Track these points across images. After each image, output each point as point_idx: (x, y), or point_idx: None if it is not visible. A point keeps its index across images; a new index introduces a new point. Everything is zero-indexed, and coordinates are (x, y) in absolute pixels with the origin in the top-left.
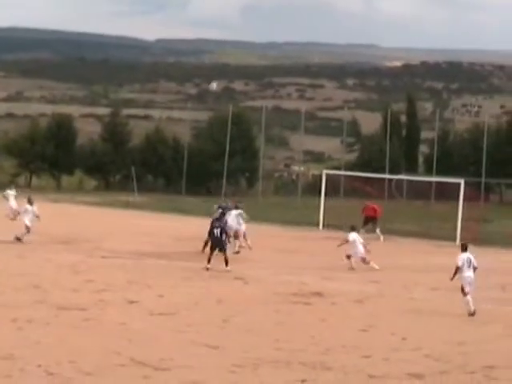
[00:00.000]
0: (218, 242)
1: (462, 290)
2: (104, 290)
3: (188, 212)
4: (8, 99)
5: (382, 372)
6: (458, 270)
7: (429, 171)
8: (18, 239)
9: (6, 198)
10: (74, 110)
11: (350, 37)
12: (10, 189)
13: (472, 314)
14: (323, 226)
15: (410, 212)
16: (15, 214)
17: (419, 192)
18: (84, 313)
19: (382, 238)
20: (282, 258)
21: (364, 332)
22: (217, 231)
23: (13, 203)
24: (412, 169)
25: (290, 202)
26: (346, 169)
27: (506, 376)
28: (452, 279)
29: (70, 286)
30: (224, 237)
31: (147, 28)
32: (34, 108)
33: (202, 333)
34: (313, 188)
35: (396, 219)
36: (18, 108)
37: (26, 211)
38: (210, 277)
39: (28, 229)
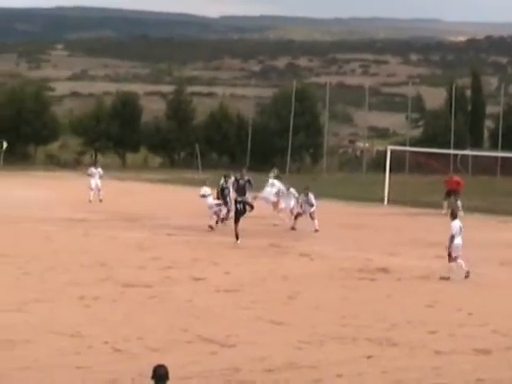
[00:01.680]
0: (241, 215)
1: (449, 255)
2: (170, 267)
3: (253, 189)
4: (73, 78)
5: (448, 348)
6: (453, 238)
7: (494, 146)
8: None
9: (91, 176)
10: (138, 88)
11: (413, 12)
12: (96, 167)
13: (467, 276)
14: (388, 201)
15: (476, 187)
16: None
17: (485, 167)
18: (150, 290)
19: (462, 212)
20: (347, 234)
21: (430, 308)
22: (240, 206)
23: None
24: (477, 144)
25: (354, 178)
26: (411, 145)
27: None
28: (448, 249)
29: (135, 264)
30: (248, 209)
31: (210, 5)
32: (99, 86)
33: (267, 309)
34: (377, 164)
35: (461, 195)
36: (83, 87)
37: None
38: (275, 253)
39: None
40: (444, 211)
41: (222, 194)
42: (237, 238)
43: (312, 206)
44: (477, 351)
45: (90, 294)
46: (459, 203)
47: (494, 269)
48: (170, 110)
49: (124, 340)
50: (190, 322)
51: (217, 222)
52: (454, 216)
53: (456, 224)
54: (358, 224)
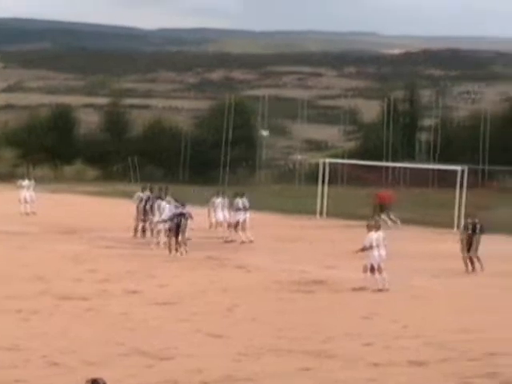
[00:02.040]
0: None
1: (372, 268)
2: (106, 279)
3: (187, 201)
4: (7, 90)
5: (384, 360)
6: (366, 249)
7: (429, 159)
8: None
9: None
10: (73, 100)
11: (349, 25)
12: (26, 179)
13: (384, 290)
14: (323, 214)
15: (410, 199)
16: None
17: (419, 179)
18: (87, 303)
19: (399, 223)
20: (284, 246)
21: (366, 319)
22: (178, 220)
23: (26, 194)
24: (412, 156)
25: (290, 190)
26: (347, 157)
27: (508, 362)
28: (357, 252)
29: (72, 277)
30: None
31: (147, 17)
32: (34, 98)
33: (205, 322)
34: (313, 176)
35: (396, 207)
36: (18, 99)
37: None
38: (213, 266)
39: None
40: (389, 223)
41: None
42: (173, 250)
43: (246, 210)
44: (412, 363)
45: (27, 307)
46: (392, 216)
47: (429, 281)
48: (106, 122)
49: (61, 353)
50: (126, 335)
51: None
52: (374, 228)
53: (372, 236)
54: (294, 236)
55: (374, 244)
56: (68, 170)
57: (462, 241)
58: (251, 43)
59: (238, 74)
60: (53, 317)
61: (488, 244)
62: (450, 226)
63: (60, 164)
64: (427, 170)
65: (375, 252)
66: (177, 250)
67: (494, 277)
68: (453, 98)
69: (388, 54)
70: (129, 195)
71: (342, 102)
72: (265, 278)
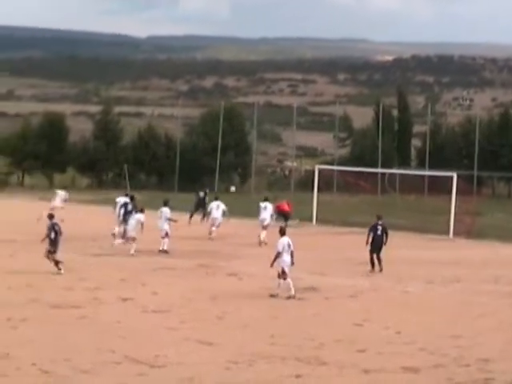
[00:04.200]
0: None
1: (283, 273)
2: (98, 288)
3: (181, 209)
4: None
5: (377, 366)
6: (278, 255)
7: (421, 165)
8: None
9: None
10: (65, 108)
11: (341, 31)
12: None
13: (292, 297)
14: (316, 220)
15: (403, 206)
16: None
17: (412, 186)
18: (78, 311)
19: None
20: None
21: (358, 326)
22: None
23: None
24: (404, 163)
25: (283, 197)
26: (339, 163)
27: (501, 368)
28: (272, 265)
29: (63, 285)
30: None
31: (138, 25)
32: (26, 107)
33: (196, 329)
34: (306, 183)
35: (389, 213)
36: (10, 107)
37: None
38: (204, 274)
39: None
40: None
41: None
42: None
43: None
44: (405, 369)
45: (17, 315)
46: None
47: (422, 287)
48: (98, 130)
49: (52, 362)
50: (118, 343)
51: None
52: (282, 232)
53: (283, 241)
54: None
55: (283, 249)
56: (60, 178)
57: (368, 241)
58: (242, 50)
59: (229, 81)
60: (44, 325)
61: (480, 250)
62: (443, 232)
63: (52, 172)
64: (420, 176)
65: (285, 257)
66: None
67: (488, 283)
68: (444, 104)
69: (379, 60)
70: None
71: (334, 109)
72: (256, 286)
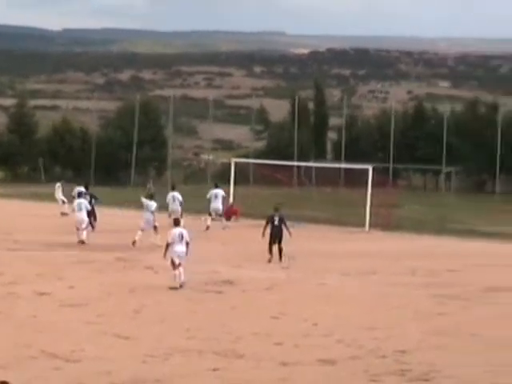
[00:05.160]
0: None
1: (172, 263)
2: (13, 282)
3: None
4: None
5: (294, 359)
6: (168, 245)
7: (337, 158)
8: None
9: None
10: None
11: (257, 24)
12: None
13: (179, 287)
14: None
15: (320, 199)
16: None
17: (328, 179)
18: None
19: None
20: (192, 246)
21: (275, 319)
22: None
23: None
24: (321, 155)
25: (199, 190)
26: (255, 156)
27: (417, 359)
28: (164, 256)
29: None
30: None
31: (53, 18)
32: None
33: (113, 323)
34: (222, 176)
35: (305, 206)
36: None
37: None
38: (121, 267)
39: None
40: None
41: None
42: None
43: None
44: (322, 361)
45: None
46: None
47: (338, 279)
48: (12, 123)
49: None
50: (34, 338)
51: None
52: (175, 223)
53: (175, 231)
54: (204, 237)
55: (173, 239)
56: None
57: (264, 233)
58: (159, 43)
59: (145, 74)
60: None
61: (396, 242)
62: (360, 224)
63: None
64: (336, 169)
65: (176, 247)
66: None
67: (404, 275)
68: (360, 96)
69: (295, 53)
70: (38, 196)
71: (251, 102)
72: (172, 279)
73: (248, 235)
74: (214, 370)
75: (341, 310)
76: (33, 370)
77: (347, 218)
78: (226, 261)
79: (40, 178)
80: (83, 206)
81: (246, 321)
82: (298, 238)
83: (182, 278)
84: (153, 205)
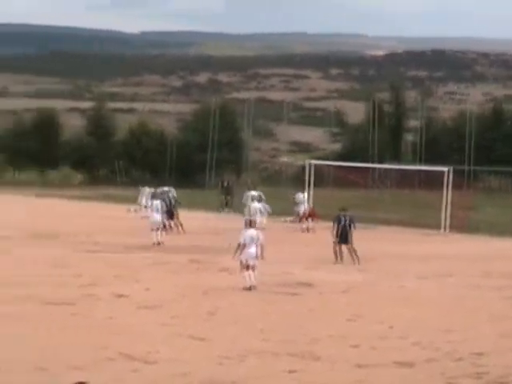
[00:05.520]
0: None
1: (244, 265)
2: (91, 284)
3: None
4: None
5: (370, 361)
6: (240, 246)
7: (414, 159)
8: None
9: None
10: (58, 104)
11: (333, 26)
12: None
13: (249, 289)
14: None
15: (396, 201)
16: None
17: (405, 180)
18: (72, 308)
19: None
20: (269, 248)
21: (351, 321)
22: None
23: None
24: (397, 157)
25: (276, 192)
26: (332, 159)
27: (493, 362)
28: (234, 257)
29: (56, 281)
30: None
31: (130, 21)
32: (19, 103)
33: (187, 325)
34: (299, 178)
35: (382, 208)
36: (3, 103)
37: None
38: (195, 269)
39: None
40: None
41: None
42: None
43: None
44: (398, 364)
45: (10, 312)
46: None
47: (415, 282)
48: (91, 126)
49: (46, 358)
50: (111, 339)
51: None
52: (250, 225)
53: (248, 233)
54: (280, 239)
55: (246, 241)
56: (53, 174)
57: (337, 233)
58: (235, 46)
59: (222, 77)
60: (37, 322)
61: (472, 244)
62: (437, 227)
63: (45, 168)
64: (413, 171)
65: (250, 249)
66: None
67: (480, 277)
68: (437, 98)
69: (372, 55)
70: (114, 199)
71: (327, 104)
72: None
73: (322, 237)
74: (290, 371)
75: (417, 312)
76: (110, 371)
77: (423, 220)
78: (302, 262)
79: (117, 181)
80: (159, 207)
81: (322, 323)
82: (375, 240)
83: (253, 280)
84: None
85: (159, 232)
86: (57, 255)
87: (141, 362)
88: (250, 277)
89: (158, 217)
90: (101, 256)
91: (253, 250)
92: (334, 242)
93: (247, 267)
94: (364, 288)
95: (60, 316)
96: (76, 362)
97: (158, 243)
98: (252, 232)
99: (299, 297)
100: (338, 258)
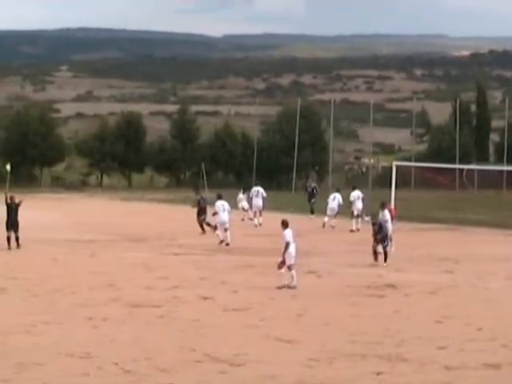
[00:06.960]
0: None
1: (287, 264)
2: (177, 286)
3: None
4: (78, 99)
5: (458, 363)
6: (287, 245)
7: (500, 160)
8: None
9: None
10: (142, 107)
11: (416, 27)
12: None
13: (293, 287)
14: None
15: (482, 201)
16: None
17: (491, 181)
18: (158, 310)
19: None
20: (355, 250)
21: (439, 323)
22: None
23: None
24: (483, 158)
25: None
26: (416, 160)
27: None
28: (283, 256)
29: (143, 284)
30: None
31: (214, 24)
32: (104, 107)
33: (275, 327)
34: (383, 180)
35: (468, 209)
36: (88, 108)
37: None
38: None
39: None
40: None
41: None
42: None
43: None
44: (487, 366)
45: (98, 314)
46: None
47: (503, 283)
48: (175, 129)
49: (133, 360)
50: (198, 342)
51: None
52: (285, 225)
53: (289, 233)
54: (366, 240)
55: (290, 240)
56: (138, 177)
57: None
58: (317, 48)
59: (305, 79)
60: (124, 324)
61: None
62: None
63: (130, 172)
64: (499, 171)
65: (290, 249)
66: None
67: None
68: None
69: (456, 55)
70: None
71: (411, 105)
72: (336, 283)
73: (408, 239)
74: (378, 373)
75: (505, 314)
76: (198, 373)
77: (510, 221)
78: (389, 264)
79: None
80: (226, 207)
81: (409, 324)
82: (462, 241)
83: (295, 280)
84: None
85: (228, 233)
86: (143, 258)
87: (228, 364)
88: (292, 277)
89: (224, 217)
90: (186, 258)
91: (293, 249)
92: (374, 243)
93: (289, 267)
94: (451, 290)
95: (147, 319)
96: (163, 364)
97: (227, 244)
98: (290, 232)
99: (386, 299)
100: (376, 259)
